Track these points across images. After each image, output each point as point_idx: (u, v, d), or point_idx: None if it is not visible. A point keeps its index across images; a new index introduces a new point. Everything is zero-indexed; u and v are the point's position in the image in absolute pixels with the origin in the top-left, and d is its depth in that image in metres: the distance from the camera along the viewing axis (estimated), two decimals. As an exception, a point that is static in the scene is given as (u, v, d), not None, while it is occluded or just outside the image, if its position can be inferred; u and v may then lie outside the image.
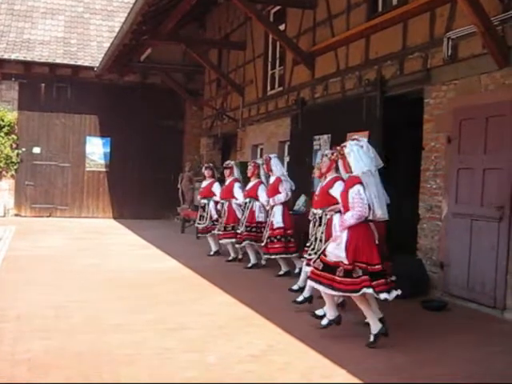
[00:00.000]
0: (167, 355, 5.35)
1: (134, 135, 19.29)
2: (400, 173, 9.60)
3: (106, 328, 6.19)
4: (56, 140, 19.46)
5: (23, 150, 19.10)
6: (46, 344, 5.51)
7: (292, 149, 13.23)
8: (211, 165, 12.86)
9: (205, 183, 12.18)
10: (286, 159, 13.41)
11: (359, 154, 5.91)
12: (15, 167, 19.06)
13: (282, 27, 13.37)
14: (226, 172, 11.25)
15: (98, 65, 18.39)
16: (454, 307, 7.65)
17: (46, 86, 19.19)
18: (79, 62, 19.08)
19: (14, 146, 18.92)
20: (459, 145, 8.03)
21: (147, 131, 19.34)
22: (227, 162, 11.61)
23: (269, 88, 14.80)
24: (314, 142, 11.85)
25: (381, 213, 5.92)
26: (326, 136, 11.48)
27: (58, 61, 18.92)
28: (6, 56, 18.43)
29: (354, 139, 6.11)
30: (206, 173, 12.15)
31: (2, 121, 18.53)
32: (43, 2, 20.87)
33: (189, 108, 20.62)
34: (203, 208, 11.89)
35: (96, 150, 19.88)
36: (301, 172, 11.99)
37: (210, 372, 4.97)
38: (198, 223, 11.96)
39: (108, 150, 19.77)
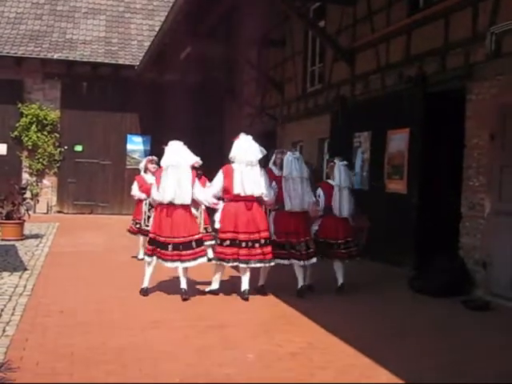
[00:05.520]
0: (207, 352, 5.37)
1: (173, 133, 18.90)
2: (441, 170, 9.49)
3: (146, 324, 6.25)
4: (97, 138, 19.70)
5: (65, 148, 19.41)
6: (87, 339, 5.59)
7: (332, 146, 13.16)
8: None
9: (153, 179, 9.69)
10: (326, 156, 13.34)
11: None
12: (57, 165, 19.39)
13: (321, 24, 13.31)
14: None
15: (138, 63, 18.58)
16: (497, 307, 7.50)
17: (87, 84, 19.49)
18: (120, 61, 19.31)
19: (57, 144, 19.25)
20: (503, 142, 7.89)
21: (186, 129, 19.38)
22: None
23: (308, 85, 14.74)
24: (355, 140, 11.77)
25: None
26: (366, 133, 11.41)
27: (100, 60, 19.19)
28: (49, 56, 18.76)
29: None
30: (152, 167, 10.26)
31: (45, 119, 18.86)
32: (85, 2, 21.19)
33: (228, 106, 20.67)
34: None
35: (136, 147, 20.09)
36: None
37: (250, 370, 4.98)
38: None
39: (148, 147, 19.94)
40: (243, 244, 7.48)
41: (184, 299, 7.36)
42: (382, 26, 10.84)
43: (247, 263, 7.51)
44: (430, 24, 9.43)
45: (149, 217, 9.64)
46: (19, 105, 18.76)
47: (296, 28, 14.85)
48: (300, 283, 7.79)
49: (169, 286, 8.14)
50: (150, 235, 7.66)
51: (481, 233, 8.23)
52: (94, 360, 5.00)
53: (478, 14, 8.36)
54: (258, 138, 19.21)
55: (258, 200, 7.67)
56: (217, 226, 7.67)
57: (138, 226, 10.30)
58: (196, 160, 7.78)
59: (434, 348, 5.75)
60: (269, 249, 7.59)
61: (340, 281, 8.17)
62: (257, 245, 7.50)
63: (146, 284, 7.65)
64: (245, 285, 7.58)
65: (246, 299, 7.46)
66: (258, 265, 7.60)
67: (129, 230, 10.59)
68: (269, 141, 18.33)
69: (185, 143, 8.08)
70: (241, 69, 19.51)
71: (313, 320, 6.52)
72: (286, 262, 7.83)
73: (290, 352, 5.45)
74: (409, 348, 5.74)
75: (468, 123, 8.59)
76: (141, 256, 9.84)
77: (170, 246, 7.39)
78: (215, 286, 7.81)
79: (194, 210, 7.93)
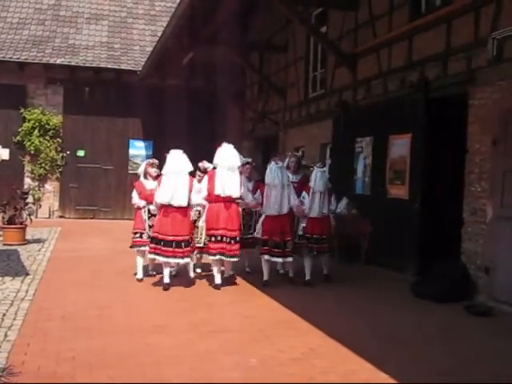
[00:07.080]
0: (209, 357, 5.37)
1: (175, 138, 19.18)
2: (443, 175, 9.48)
3: (148, 329, 6.24)
4: (100, 143, 19.71)
5: (68, 153, 19.40)
6: (89, 343, 5.59)
7: (334, 151, 13.17)
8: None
9: (154, 184, 8.90)
10: (328, 162, 13.34)
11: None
12: (60, 170, 19.39)
13: (323, 29, 13.33)
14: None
15: (140, 69, 18.61)
16: (500, 312, 7.48)
17: (90, 89, 19.48)
18: (122, 66, 19.30)
19: (59, 149, 19.26)
20: (505, 147, 7.88)
21: (188, 134, 19.38)
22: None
23: (310, 90, 14.76)
24: (356, 145, 11.77)
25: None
26: (368, 138, 11.40)
27: (102, 65, 19.19)
28: (51, 61, 18.77)
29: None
30: (154, 171, 9.26)
31: (48, 124, 18.87)
32: (88, 7, 21.23)
33: (230, 111, 20.66)
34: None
35: (139, 152, 20.10)
36: (342, 175, 11.94)
37: (252, 374, 4.97)
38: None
39: (150, 152, 19.91)
40: (218, 238, 8.42)
41: (165, 289, 8.29)
42: (384, 31, 10.84)
43: (215, 256, 8.47)
44: (432, 29, 9.44)
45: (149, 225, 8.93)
46: (22, 110, 18.77)
47: (298, 33, 14.86)
48: (265, 277, 8.85)
49: (169, 290, 8.18)
50: (153, 234, 8.53)
51: (483, 238, 8.22)
52: (96, 365, 5.00)
53: (480, 20, 8.36)
54: (260, 143, 19.33)
55: (236, 202, 8.55)
56: (200, 223, 8.94)
57: (140, 236, 9.01)
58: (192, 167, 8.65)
59: (435, 353, 5.74)
60: (237, 246, 8.49)
61: (325, 271, 9.31)
62: (232, 241, 8.43)
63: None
64: (217, 279, 8.55)
65: (218, 288, 8.45)
66: (228, 259, 8.54)
67: (135, 245, 9.11)
68: (271, 146, 18.44)
69: (186, 148, 8.58)
70: (243, 74, 19.54)
71: (313, 324, 6.52)
72: (266, 257, 8.83)
73: (292, 358, 5.44)
74: (410, 353, 5.74)
75: (470, 128, 8.58)
76: (139, 276, 9.04)
77: (164, 243, 8.31)
78: (217, 280, 8.61)
79: (191, 213, 8.85)
